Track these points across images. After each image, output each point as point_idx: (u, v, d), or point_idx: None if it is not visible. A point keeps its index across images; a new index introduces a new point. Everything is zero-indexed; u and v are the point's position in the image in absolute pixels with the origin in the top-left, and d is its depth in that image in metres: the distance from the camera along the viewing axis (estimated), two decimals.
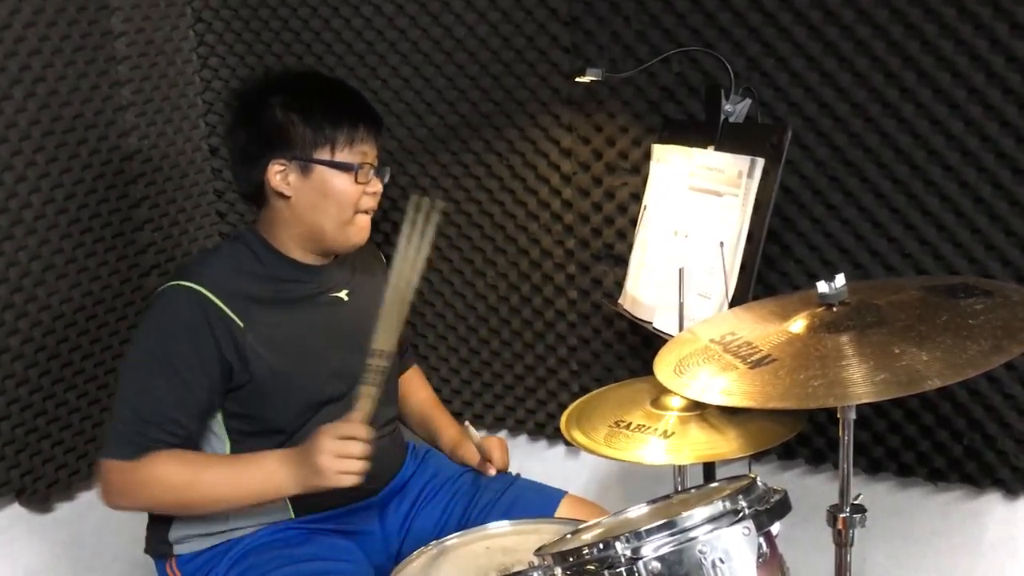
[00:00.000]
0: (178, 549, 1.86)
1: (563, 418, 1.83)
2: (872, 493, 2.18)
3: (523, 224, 2.32)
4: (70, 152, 2.23)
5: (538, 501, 1.96)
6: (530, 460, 2.40)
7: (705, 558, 1.19)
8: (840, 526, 1.53)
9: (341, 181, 1.84)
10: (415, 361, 2.28)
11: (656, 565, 1.19)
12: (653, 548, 1.20)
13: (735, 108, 1.90)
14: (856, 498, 1.56)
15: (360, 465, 1.71)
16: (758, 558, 1.22)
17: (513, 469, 2.08)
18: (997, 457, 2.02)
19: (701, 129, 1.95)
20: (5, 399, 2.12)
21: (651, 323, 1.96)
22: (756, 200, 1.74)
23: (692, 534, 1.20)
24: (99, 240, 2.31)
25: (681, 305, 1.79)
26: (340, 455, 1.69)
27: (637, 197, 2.15)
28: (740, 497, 1.25)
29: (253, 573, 1.77)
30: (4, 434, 2.12)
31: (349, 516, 1.92)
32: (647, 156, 2.09)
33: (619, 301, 2.12)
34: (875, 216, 2.00)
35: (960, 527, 2.13)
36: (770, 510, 1.26)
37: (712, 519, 1.23)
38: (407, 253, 1.76)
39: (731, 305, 1.75)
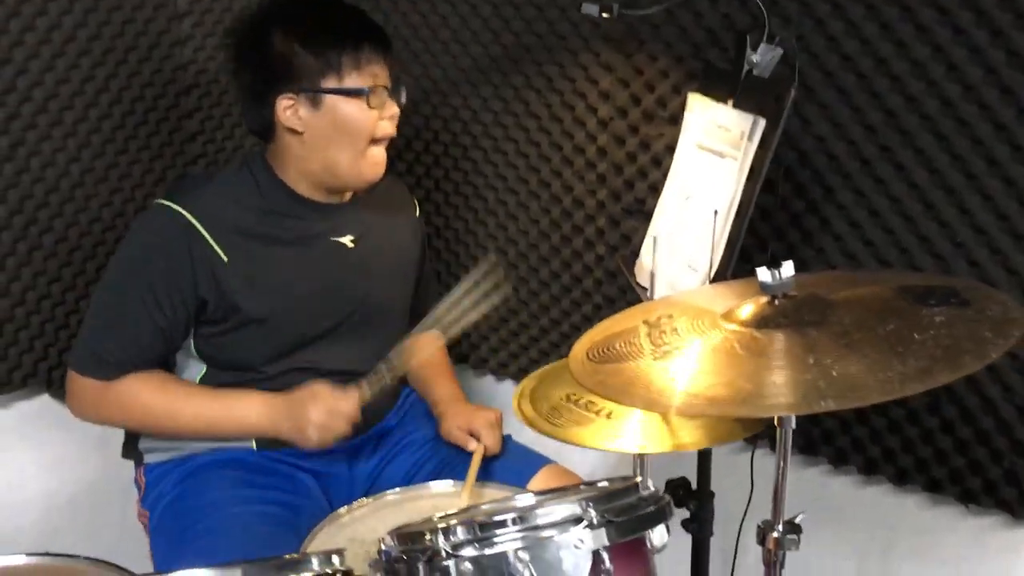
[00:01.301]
0: (147, 458, 1.88)
1: (526, 380, 1.69)
2: (901, 507, 1.96)
3: (557, 169, 2.17)
4: (118, 58, 2.23)
5: (515, 467, 1.85)
6: None
7: (522, 567, 1.05)
8: (771, 546, 1.34)
9: (353, 108, 1.74)
10: None
11: (468, 567, 1.06)
12: (476, 547, 1.08)
13: (762, 59, 1.67)
14: (795, 517, 1.36)
15: (338, 440, 1.72)
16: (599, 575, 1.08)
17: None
18: None
19: (730, 80, 1.74)
20: (36, 294, 2.18)
21: (647, 290, 1.79)
22: (751, 166, 1.53)
23: (513, 536, 1.07)
24: (144, 148, 2.32)
25: (652, 275, 1.61)
26: (326, 428, 1.69)
27: (673, 150, 1.95)
28: (590, 504, 1.10)
29: (198, 489, 1.76)
30: (33, 328, 2.19)
31: (316, 457, 1.87)
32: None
33: (635, 264, 1.95)
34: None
35: (995, 557, 1.87)
36: (626, 523, 1.10)
37: (553, 524, 1.09)
38: (459, 304, 1.74)
39: (712, 281, 1.57)
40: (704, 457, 1.83)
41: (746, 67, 1.67)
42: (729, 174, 1.58)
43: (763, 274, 1.25)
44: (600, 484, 1.29)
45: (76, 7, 2.13)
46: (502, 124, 2.21)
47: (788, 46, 1.70)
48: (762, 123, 1.52)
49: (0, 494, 2.28)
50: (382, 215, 1.91)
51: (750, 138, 1.54)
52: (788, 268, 1.25)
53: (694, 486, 1.83)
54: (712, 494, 1.85)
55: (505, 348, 2.38)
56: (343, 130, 1.74)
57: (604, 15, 1.70)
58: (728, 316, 1.27)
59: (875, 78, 1.73)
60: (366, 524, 1.63)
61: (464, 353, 2.43)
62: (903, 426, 1.86)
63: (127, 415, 1.78)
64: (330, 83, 1.73)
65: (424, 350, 1.87)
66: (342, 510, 1.61)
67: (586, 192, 2.13)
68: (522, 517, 1.09)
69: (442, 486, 1.69)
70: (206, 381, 1.81)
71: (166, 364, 1.81)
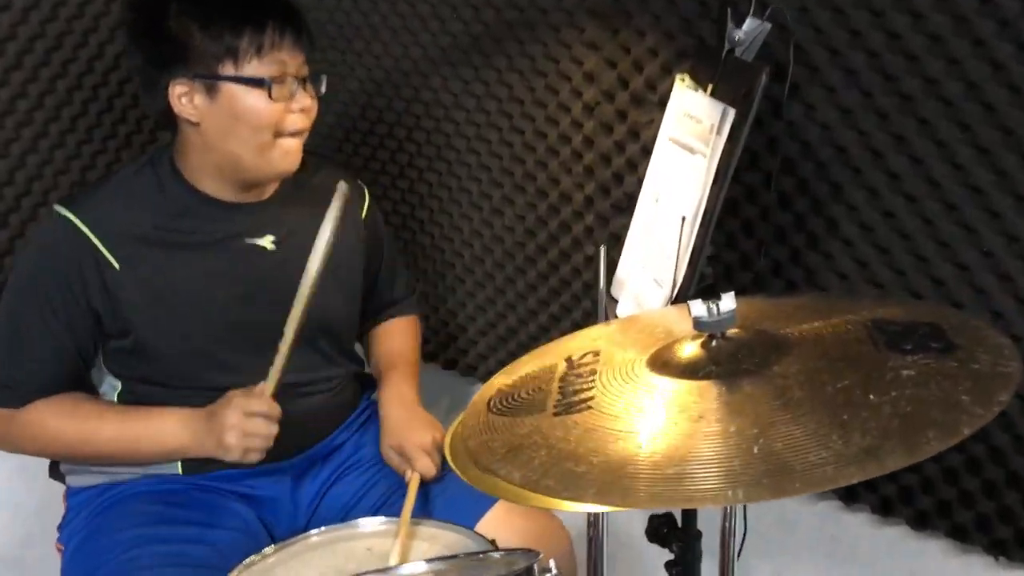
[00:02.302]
0: (69, 480, 1.73)
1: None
2: (923, 554, 1.69)
3: (543, 160, 1.94)
4: (76, 41, 2.08)
5: (468, 500, 1.63)
6: None
7: None
8: None
9: (253, 99, 1.54)
10: (415, 311, 1.98)
11: None
12: None
13: (747, 36, 1.42)
14: None
15: (266, 444, 1.53)
16: None
17: None
18: None
19: (715, 61, 1.49)
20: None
21: (617, 303, 1.56)
22: (717, 165, 1.29)
23: None
24: (110, 137, 2.19)
25: (602, 293, 1.38)
26: (247, 433, 1.52)
27: None
28: None
29: (113, 526, 1.59)
30: None
31: (252, 479, 1.69)
32: None
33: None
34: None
35: None
36: None
37: None
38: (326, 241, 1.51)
39: (673, 301, 1.33)
40: (688, 514, 1.60)
41: (727, 46, 1.42)
42: (698, 173, 1.33)
43: (696, 308, 1.01)
44: (494, 555, 1.07)
45: None
46: (485, 110, 1.99)
47: (782, 19, 1.44)
48: (732, 114, 1.27)
49: None
50: (315, 212, 1.69)
51: (719, 132, 1.29)
52: (728, 301, 1.01)
53: (680, 523, 1.60)
54: (699, 534, 1.60)
55: (493, 355, 2.17)
56: (242, 122, 1.54)
57: None
58: (654, 360, 1.03)
59: (888, 56, 1.46)
60: (289, 568, 1.45)
61: (452, 359, 2.24)
62: (922, 463, 1.59)
63: (39, 444, 1.64)
64: (227, 70, 1.53)
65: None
66: (255, 556, 1.43)
67: (574, 186, 1.90)
68: None
69: (375, 524, 1.50)
70: (124, 397, 1.65)
71: (83, 384, 1.65)
